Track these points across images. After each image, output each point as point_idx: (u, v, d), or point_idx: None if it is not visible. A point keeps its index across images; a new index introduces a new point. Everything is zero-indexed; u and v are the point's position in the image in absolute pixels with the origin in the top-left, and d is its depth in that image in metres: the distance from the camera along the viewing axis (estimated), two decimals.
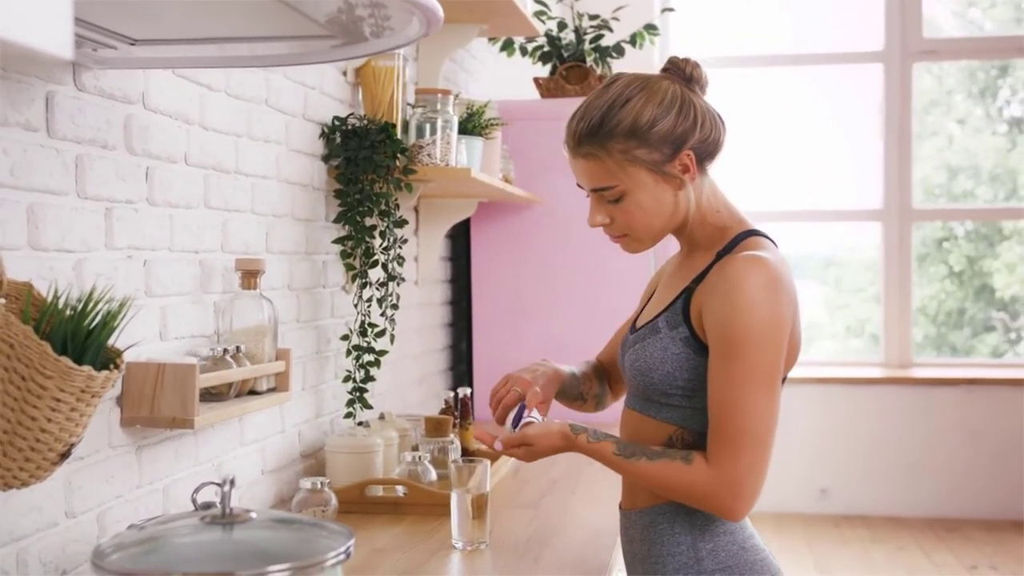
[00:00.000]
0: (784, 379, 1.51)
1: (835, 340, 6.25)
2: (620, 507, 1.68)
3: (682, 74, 1.56)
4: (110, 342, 1.29)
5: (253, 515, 1.12)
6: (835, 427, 5.49)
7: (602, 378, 1.91)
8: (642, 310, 1.72)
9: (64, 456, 1.24)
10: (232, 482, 1.11)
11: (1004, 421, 5.37)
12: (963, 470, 5.43)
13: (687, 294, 1.54)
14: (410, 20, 1.35)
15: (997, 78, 6.13)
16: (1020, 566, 4.64)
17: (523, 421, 1.68)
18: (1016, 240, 6.03)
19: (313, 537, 1.11)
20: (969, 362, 5.93)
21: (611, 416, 3.10)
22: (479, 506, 1.89)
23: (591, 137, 1.53)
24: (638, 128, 1.51)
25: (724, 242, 1.56)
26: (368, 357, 2.40)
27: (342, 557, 1.08)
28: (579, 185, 1.61)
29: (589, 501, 2.30)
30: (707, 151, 1.56)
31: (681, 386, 1.51)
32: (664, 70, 1.57)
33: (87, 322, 1.24)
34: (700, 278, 1.53)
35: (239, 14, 1.31)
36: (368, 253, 2.41)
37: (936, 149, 6.06)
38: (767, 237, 1.57)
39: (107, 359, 1.27)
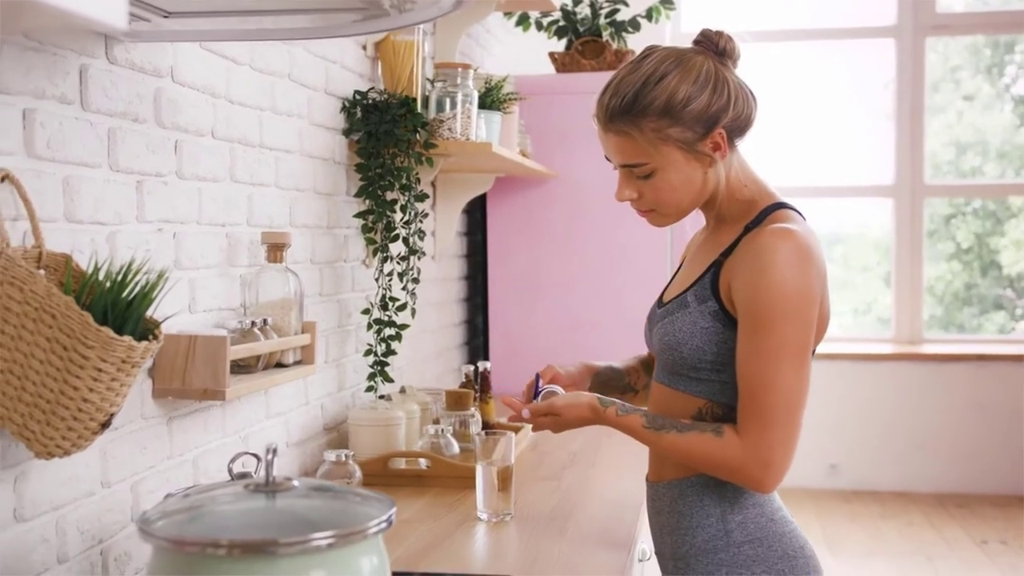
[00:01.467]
0: (813, 352, 1.51)
1: (841, 319, 6.24)
2: (647, 479, 1.69)
3: (715, 48, 1.55)
4: (147, 313, 1.30)
5: (295, 483, 1.13)
6: (845, 403, 5.50)
7: (651, 370, 1.88)
8: (667, 287, 1.72)
9: (104, 426, 1.25)
10: (275, 451, 1.12)
11: (1014, 397, 5.38)
12: (973, 446, 5.44)
13: (716, 268, 1.54)
14: None
15: (1004, 53, 6.10)
16: None
17: (542, 391, 1.70)
18: None
19: (354, 506, 1.12)
20: (979, 338, 5.94)
21: None
22: (504, 478, 1.91)
23: (624, 114, 1.53)
24: (672, 107, 1.50)
25: (752, 215, 1.56)
26: (389, 331, 2.42)
27: (384, 525, 1.09)
28: (607, 158, 1.61)
29: (610, 473, 2.31)
30: (739, 128, 1.56)
31: (711, 360, 1.52)
32: (696, 43, 1.57)
33: (126, 293, 1.25)
34: (728, 251, 1.54)
35: None
36: (389, 227, 2.41)
37: (945, 125, 6.04)
38: (795, 210, 1.57)
39: (146, 330, 1.28)
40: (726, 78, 1.54)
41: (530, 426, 2.70)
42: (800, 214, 1.57)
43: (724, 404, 1.53)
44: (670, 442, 1.50)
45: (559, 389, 1.71)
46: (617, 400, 1.58)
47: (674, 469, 1.59)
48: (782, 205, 1.57)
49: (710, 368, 1.52)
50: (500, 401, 1.72)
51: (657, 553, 1.67)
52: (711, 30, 1.56)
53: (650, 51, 1.56)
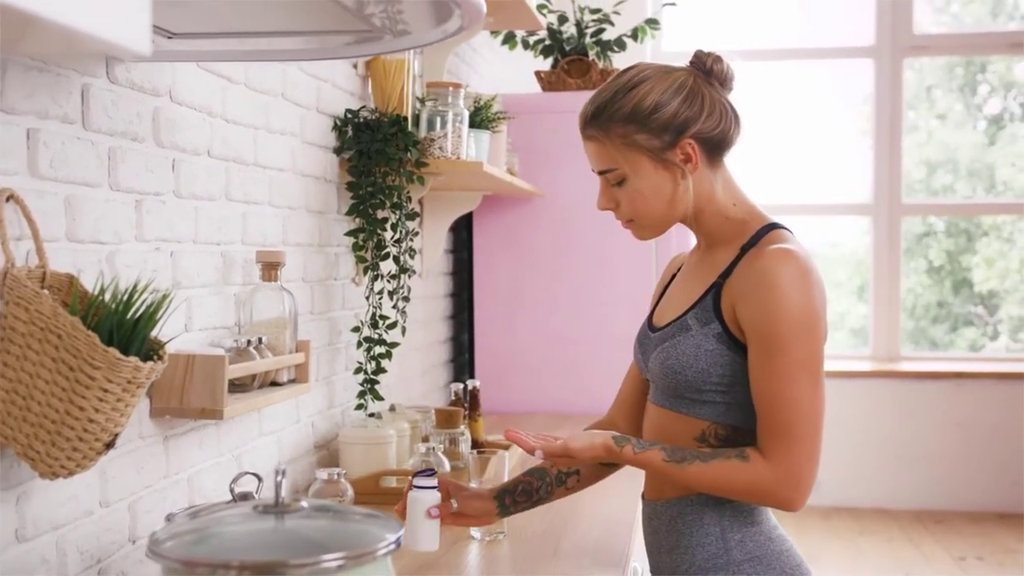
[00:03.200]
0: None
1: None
2: (643, 497, 1.70)
3: (702, 66, 1.57)
4: (151, 334, 1.30)
5: (304, 504, 1.14)
6: (824, 419, 5.53)
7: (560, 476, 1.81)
8: (654, 308, 1.73)
9: (109, 446, 1.25)
10: (284, 472, 1.12)
11: (991, 414, 5.44)
12: (951, 463, 5.49)
13: (716, 289, 1.55)
14: (437, 20, 1.36)
15: (976, 73, 6.19)
16: (1006, 556, 4.71)
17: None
18: (995, 235, 6.10)
19: (363, 527, 1.13)
20: (955, 356, 6.00)
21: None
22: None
23: (595, 119, 1.57)
24: (639, 113, 1.53)
25: (747, 236, 1.57)
26: (379, 349, 2.42)
27: (392, 547, 1.10)
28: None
29: (602, 491, 2.31)
30: (714, 142, 1.56)
31: (716, 382, 1.53)
32: (690, 63, 1.59)
33: (131, 313, 1.25)
34: (727, 273, 1.55)
35: (285, 8, 1.32)
36: (380, 246, 2.42)
37: (916, 144, 6.11)
38: (788, 230, 1.59)
39: (150, 350, 1.29)
40: (703, 92, 1.55)
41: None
42: (792, 234, 1.59)
43: (728, 425, 1.54)
44: (695, 473, 1.48)
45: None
46: (631, 437, 1.56)
47: (673, 488, 1.59)
48: (776, 225, 1.58)
49: (714, 390, 1.53)
50: (505, 435, 1.66)
51: (653, 571, 1.68)
52: (703, 51, 1.59)
53: (636, 64, 1.59)
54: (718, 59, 1.58)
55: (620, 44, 3.65)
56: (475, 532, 1.90)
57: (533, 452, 1.55)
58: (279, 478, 1.12)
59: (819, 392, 1.49)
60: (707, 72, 1.57)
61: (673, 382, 1.56)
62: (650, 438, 1.65)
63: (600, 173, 1.59)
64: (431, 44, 1.49)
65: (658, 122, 1.52)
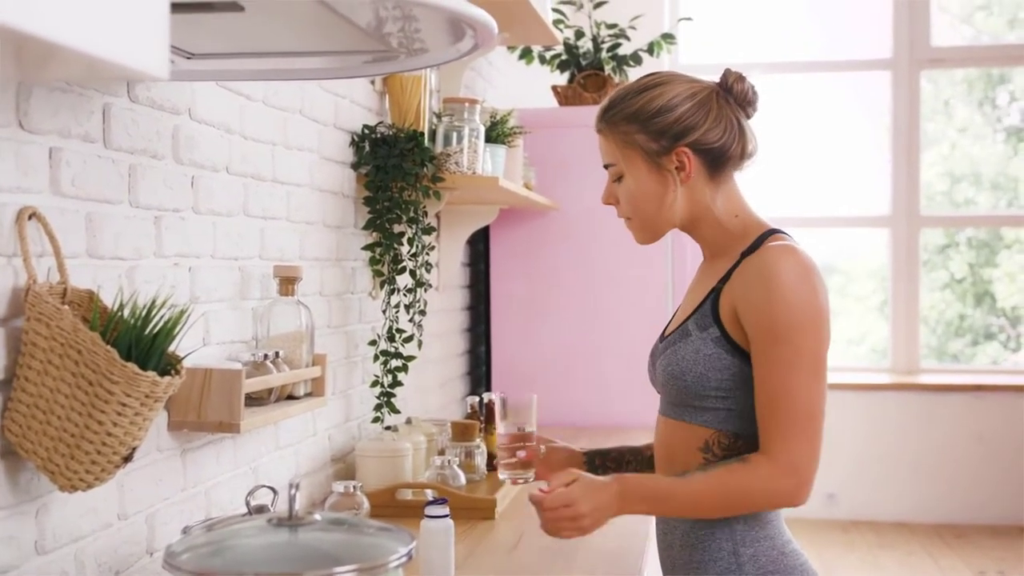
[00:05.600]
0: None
1: (835, 348, 6.23)
2: None
3: (724, 84, 1.60)
4: (169, 349, 1.32)
5: (317, 517, 1.15)
6: (843, 432, 5.52)
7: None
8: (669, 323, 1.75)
9: (127, 459, 1.28)
10: (298, 486, 1.14)
11: (1011, 427, 5.41)
12: (970, 476, 5.46)
13: (715, 295, 1.57)
14: (453, 38, 1.39)
15: (996, 85, 6.17)
16: None
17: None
18: (1017, 249, 6.07)
19: (376, 540, 1.14)
20: (975, 368, 5.97)
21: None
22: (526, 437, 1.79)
23: (605, 114, 1.61)
24: (642, 114, 1.56)
25: (746, 243, 1.58)
26: (396, 362, 2.44)
27: (404, 559, 1.11)
28: None
29: None
30: (714, 155, 1.57)
31: (715, 387, 1.54)
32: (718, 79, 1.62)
33: (150, 329, 1.27)
34: (726, 278, 1.56)
35: (303, 29, 1.35)
36: (396, 260, 2.44)
37: (940, 156, 6.09)
38: (787, 235, 1.60)
39: (168, 365, 1.31)
40: (714, 105, 1.57)
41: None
42: (792, 238, 1.60)
43: (731, 433, 1.55)
44: (698, 483, 1.48)
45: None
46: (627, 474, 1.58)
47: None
48: (775, 231, 1.60)
49: (715, 396, 1.54)
50: (529, 500, 1.61)
51: None
52: (731, 69, 1.61)
53: (663, 71, 1.63)
54: (740, 79, 1.60)
55: (636, 59, 3.67)
56: (503, 475, 1.80)
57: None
58: (293, 491, 1.13)
59: (820, 386, 1.49)
60: (727, 89, 1.59)
61: (674, 388, 1.58)
62: (658, 450, 1.67)
63: (605, 167, 1.64)
64: (447, 63, 1.51)
65: (658, 125, 1.55)
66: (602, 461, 1.80)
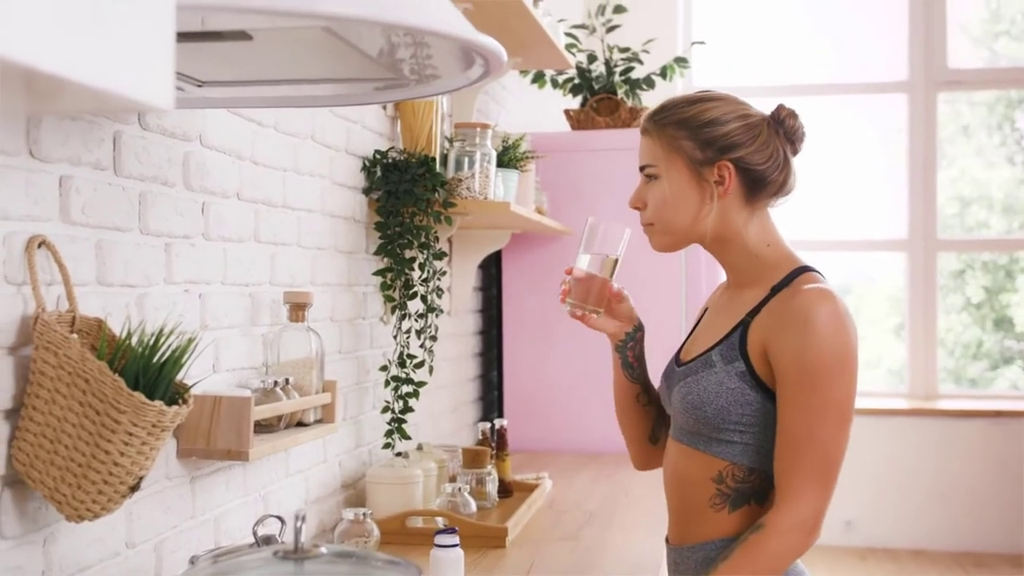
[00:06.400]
0: None
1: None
2: (667, 541, 1.69)
3: (776, 115, 1.61)
4: (177, 377, 1.32)
5: (322, 550, 1.14)
6: (860, 459, 5.46)
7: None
8: (684, 343, 1.73)
9: (134, 489, 1.27)
10: (303, 517, 1.13)
11: None
12: (990, 503, 5.40)
13: (743, 327, 1.55)
14: (464, 65, 1.38)
15: (1014, 108, 6.14)
16: None
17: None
18: None
19: (383, 573, 1.13)
20: (994, 394, 5.91)
21: None
22: (609, 271, 1.72)
23: (655, 115, 1.62)
24: (694, 122, 1.57)
25: (777, 277, 1.57)
26: (407, 388, 2.43)
27: None
28: None
29: (627, 533, 2.31)
30: (755, 177, 1.58)
31: (735, 421, 1.53)
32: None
33: (157, 358, 1.27)
34: (755, 312, 1.55)
35: (314, 58, 1.35)
36: (407, 285, 2.44)
37: (949, 180, 6.05)
38: (820, 274, 1.59)
39: (175, 393, 1.30)
40: (765, 131, 1.59)
41: (546, 483, 2.69)
42: (824, 278, 1.59)
43: (745, 467, 1.54)
44: (728, 568, 1.48)
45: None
46: None
47: (697, 532, 1.59)
48: (808, 268, 1.59)
49: (734, 429, 1.53)
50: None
51: None
52: (784, 104, 1.62)
53: (720, 91, 1.63)
54: (793, 115, 1.62)
55: (649, 83, 3.66)
56: (572, 304, 1.76)
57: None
58: (299, 523, 1.12)
59: (844, 436, 1.49)
60: (779, 122, 1.61)
61: (692, 418, 1.56)
62: (669, 475, 1.66)
63: (641, 169, 1.64)
64: (457, 89, 1.51)
65: (707, 136, 1.56)
66: (633, 353, 1.78)
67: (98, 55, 0.75)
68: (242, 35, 1.15)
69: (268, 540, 1.40)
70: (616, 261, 1.71)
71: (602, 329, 1.76)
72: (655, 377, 1.81)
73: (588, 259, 1.71)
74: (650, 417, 1.80)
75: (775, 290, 1.56)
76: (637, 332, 1.78)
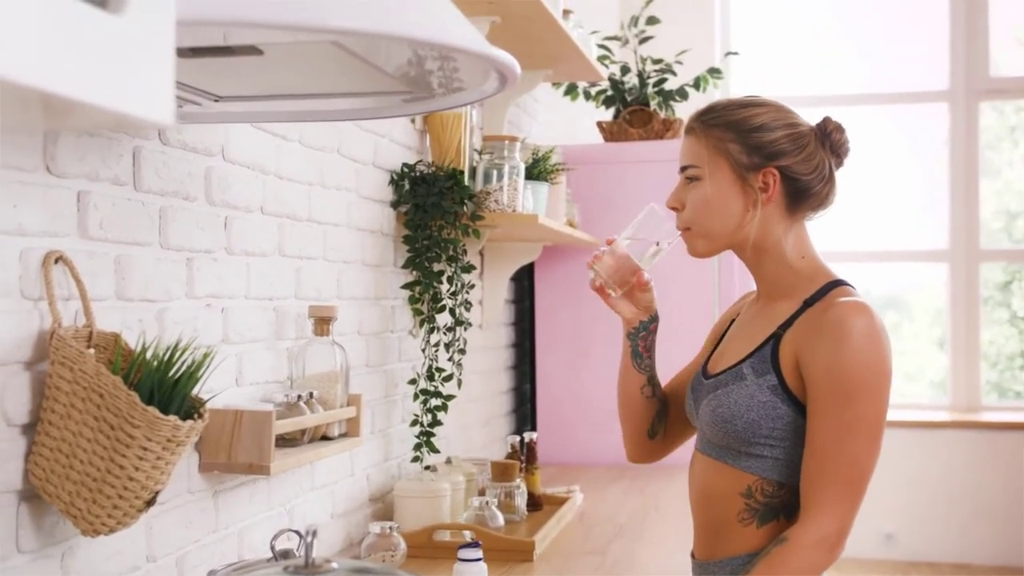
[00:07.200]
0: None
1: (893, 383, 6.08)
2: (692, 556, 1.67)
3: (823, 128, 1.59)
4: (193, 392, 1.32)
5: (334, 565, 1.14)
6: (901, 471, 5.39)
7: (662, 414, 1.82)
8: (710, 354, 1.71)
9: (150, 503, 1.27)
10: (314, 533, 1.12)
11: None
12: None
13: (775, 340, 1.53)
14: (485, 77, 1.38)
15: None
16: None
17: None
18: None
19: None
20: None
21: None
22: (650, 260, 1.72)
23: (702, 116, 1.60)
24: (742, 126, 1.55)
25: (810, 291, 1.55)
26: (435, 401, 2.42)
27: None
28: None
29: (656, 548, 2.28)
30: (799, 187, 1.56)
31: (766, 435, 1.50)
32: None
33: (173, 372, 1.27)
34: (787, 324, 1.53)
35: (336, 72, 1.35)
36: (436, 298, 2.43)
37: (994, 192, 5.95)
38: (853, 287, 1.57)
39: (191, 408, 1.30)
40: (812, 142, 1.57)
41: (577, 496, 2.67)
42: (857, 292, 1.57)
43: (775, 481, 1.51)
44: None
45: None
46: None
47: (724, 547, 1.57)
48: (841, 282, 1.56)
49: (764, 443, 1.51)
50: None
51: None
52: (831, 118, 1.60)
53: (767, 97, 1.62)
54: (840, 129, 1.60)
55: (683, 94, 3.64)
56: (603, 280, 1.73)
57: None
58: (309, 538, 1.12)
59: (875, 452, 1.46)
60: (825, 135, 1.59)
61: (722, 431, 1.54)
62: (696, 489, 1.64)
63: (682, 169, 1.61)
64: (479, 101, 1.50)
65: (755, 141, 1.54)
66: (644, 343, 1.75)
67: (94, 72, 0.75)
68: (252, 50, 1.15)
69: (286, 554, 1.39)
70: (658, 252, 1.70)
71: (619, 311, 1.74)
72: (664, 377, 1.80)
73: (630, 242, 1.70)
74: (651, 411, 1.78)
75: (808, 303, 1.54)
76: (652, 323, 1.75)
